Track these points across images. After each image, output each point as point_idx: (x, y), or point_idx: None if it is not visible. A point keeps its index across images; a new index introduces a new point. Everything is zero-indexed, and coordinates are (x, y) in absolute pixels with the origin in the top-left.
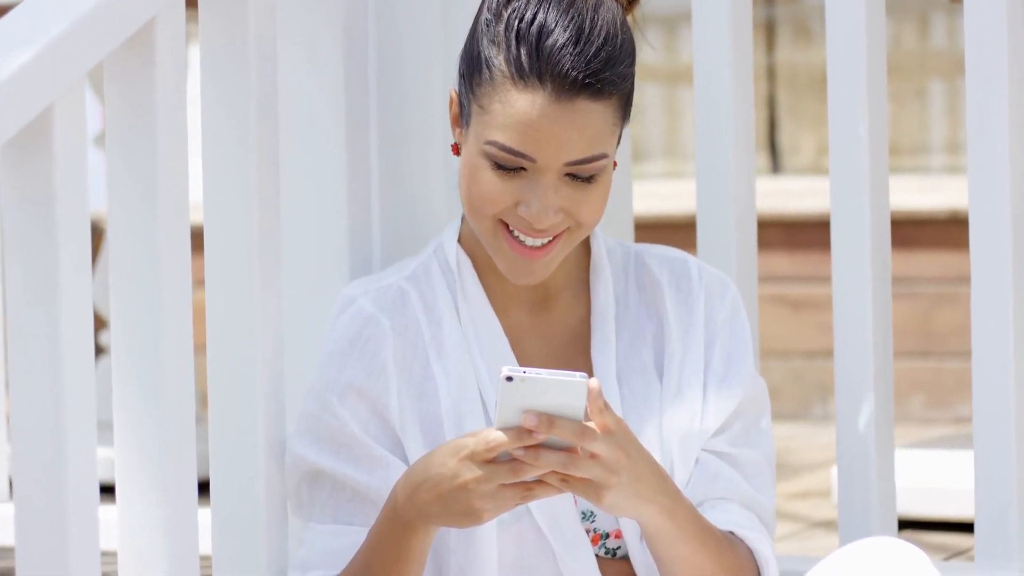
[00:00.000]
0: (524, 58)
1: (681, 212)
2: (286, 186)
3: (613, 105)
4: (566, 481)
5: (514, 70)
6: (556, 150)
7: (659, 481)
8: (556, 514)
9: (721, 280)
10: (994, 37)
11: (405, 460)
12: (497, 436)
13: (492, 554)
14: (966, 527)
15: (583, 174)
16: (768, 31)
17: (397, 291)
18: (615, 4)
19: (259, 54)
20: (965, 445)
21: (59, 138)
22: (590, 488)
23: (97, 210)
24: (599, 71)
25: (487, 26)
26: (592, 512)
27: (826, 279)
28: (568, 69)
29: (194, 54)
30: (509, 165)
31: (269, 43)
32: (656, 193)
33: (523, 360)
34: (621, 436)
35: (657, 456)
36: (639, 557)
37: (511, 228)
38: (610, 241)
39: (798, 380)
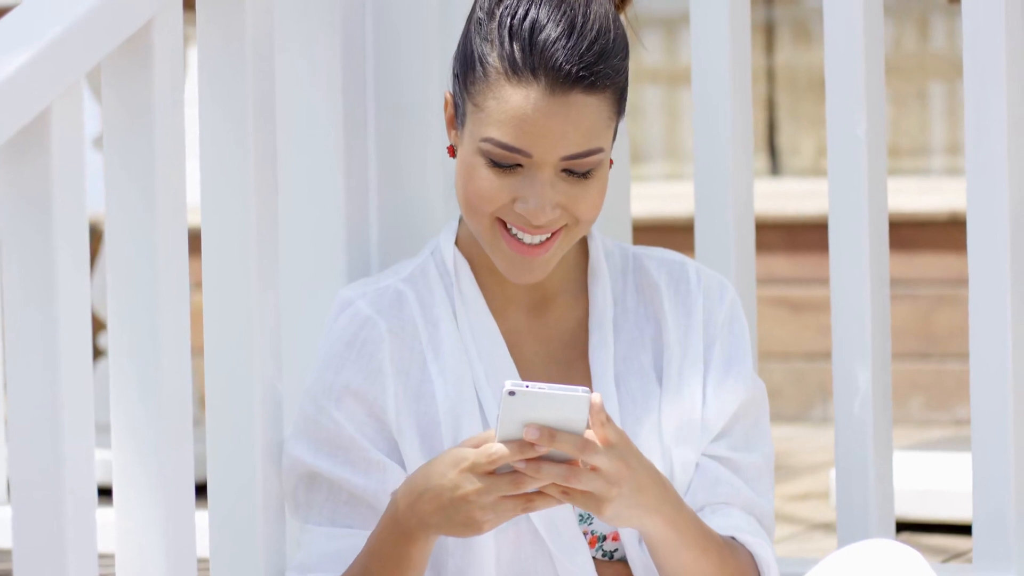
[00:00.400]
0: (517, 53)
1: (681, 214)
2: (284, 188)
3: (608, 99)
4: (567, 493)
5: (508, 66)
6: (552, 145)
7: (661, 491)
8: (553, 516)
9: (719, 282)
10: (992, 39)
11: (401, 463)
12: (498, 449)
13: (490, 556)
14: (965, 529)
15: (579, 169)
16: (767, 33)
17: (394, 293)
18: (607, 0)
19: (256, 56)
20: (964, 447)
21: (57, 139)
22: (591, 500)
23: (96, 212)
24: (592, 64)
25: (479, 25)
26: (590, 514)
27: (826, 281)
28: (562, 62)
29: (192, 56)
30: (505, 162)
31: (266, 45)
32: (656, 195)
33: (520, 362)
34: (623, 448)
35: (657, 460)
36: (637, 559)
37: (509, 227)
38: (608, 243)
39: (798, 382)
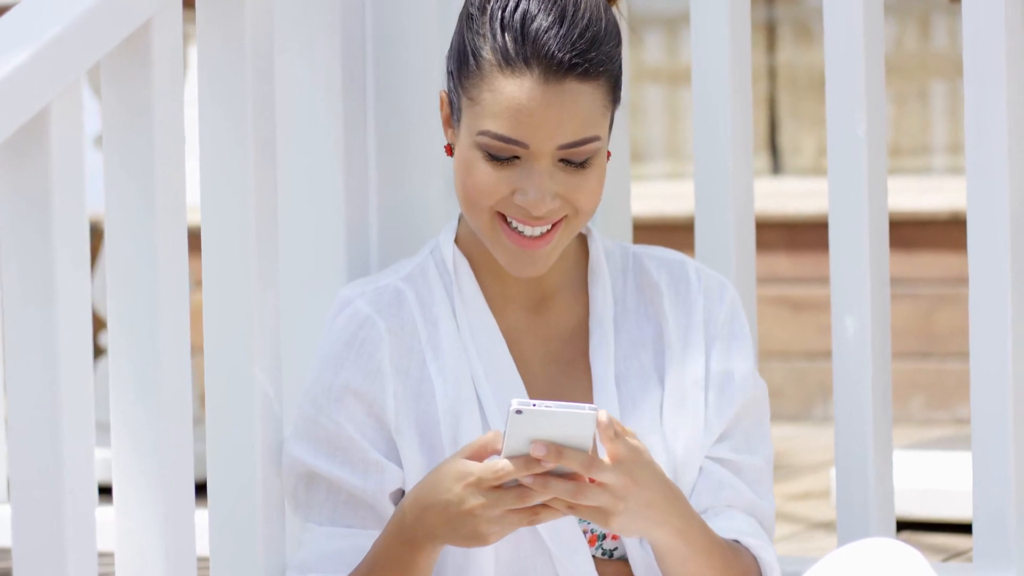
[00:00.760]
0: (510, 44)
1: (682, 213)
2: (283, 187)
3: (602, 87)
4: (572, 506)
5: (501, 58)
6: (548, 134)
7: (670, 504)
8: None
9: (720, 282)
10: (992, 39)
11: (400, 463)
12: (504, 465)
13: (489, 555)
14: (965, 528)
15: (576, 159)
16: (769, 32)
17: (394, 292)
18: None
19: (256, 55)
20: (965, 446)
21: (56, 138)
22: (597, 514)
23: (97, 211)
24: (585, 51)
25: (471, 20)
26: None
27: (827, 280)
28: (554, 51)
29: (193, 55)
30: (502, 154)
31: (266, 44)
32: (657, 194)
33: (520, 361)
34: (631, 464)
35: (660, 460)
36: (637, 558)
37: (509, 220)
38: (608, 242)
39: (799, 381)
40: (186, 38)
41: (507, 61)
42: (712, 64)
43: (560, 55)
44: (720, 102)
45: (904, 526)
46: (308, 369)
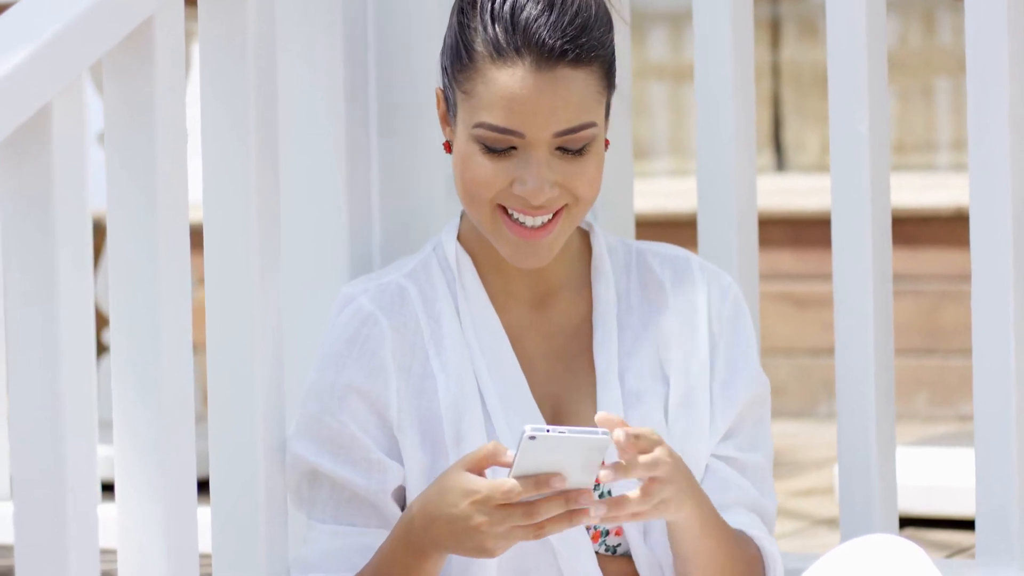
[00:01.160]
0: (500, 35)
1: (687, 210)
2: (286, 185)
3: (595, 73)
4: (571, 519)
5: (492, 49)
6: (543, 122)
7: (689, 479)
8: None
9: (723, 278)
10: (994, 37)
11: (402, 461)
12: (513, 486)
13: None
14: (969, 525)
15: (573, 146)
16: (773, 29)
17: (396, 289)
18: None
19: (258, 52)
20: (968, 443)
21: (58, 136)
22: (663, 507)
23: (101, 209)
24: (576, 37)
25: (463, 14)
26: None
27: (831, 277)
28: (545, 38)
29: (196, 54)
30: (499, 146)
31: (268, 41)
32: (661, 191)
33: (523, 357)
34: (662, 449)
35: None
36: (641, 554)
37: (510, 212)
38: (611, 239)
39: (803, 378)
40: (189, 36)
41: (499, 52)
42: (715, 61)
43: (551, 42)
44: (723, 99)
45: (908, 522)
46: (310, 366)
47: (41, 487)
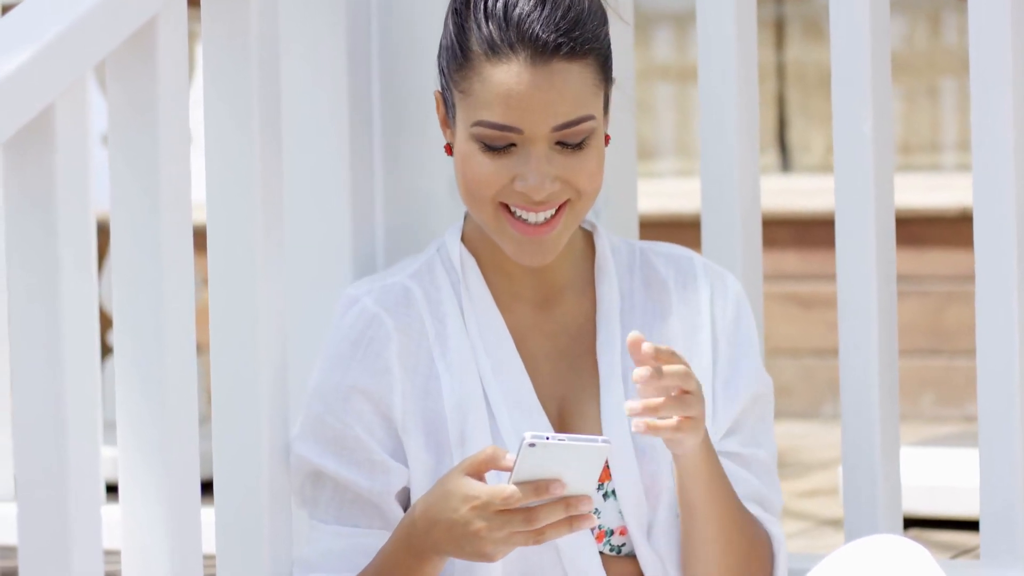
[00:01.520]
0: (495, 32)
1: (692, 210)
2: (289, 185)
3: (591, 65)
4: (571, 524)
5: (487, 47)
6: (541, 116)
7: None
8: None
9: (726, 278)
10: (998, 37)
11: (405, 461)
12: (513, 492)
13: None
14: (974, 525)
15: (572, 140)
16: (778, 29)
17: (401, 289)
18: None
19: (262, 52)
20: (973, 443)
21: (61, 136)
22: (691, 426)
23: (106, 209)
24: (570, 30)
25: (457, 15)
26: (596, 509)
27: (836, 277)
28: (538, 32)
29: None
30: (498, 143)
31: (271, 41)
32: (667, 191)
33: (527, 358)
34: (692, 371)
35: (668, 454)
36: (645, 554)
37: (513, 210)
38: (615, 239)
39: (808, 379)
40: (193, 36)
41: (493, 49)
42: (718, 61)
43: (545, 36)
44: (726, 99)
45: (913, 523)
46: (313, 368)
47: (45, 488)
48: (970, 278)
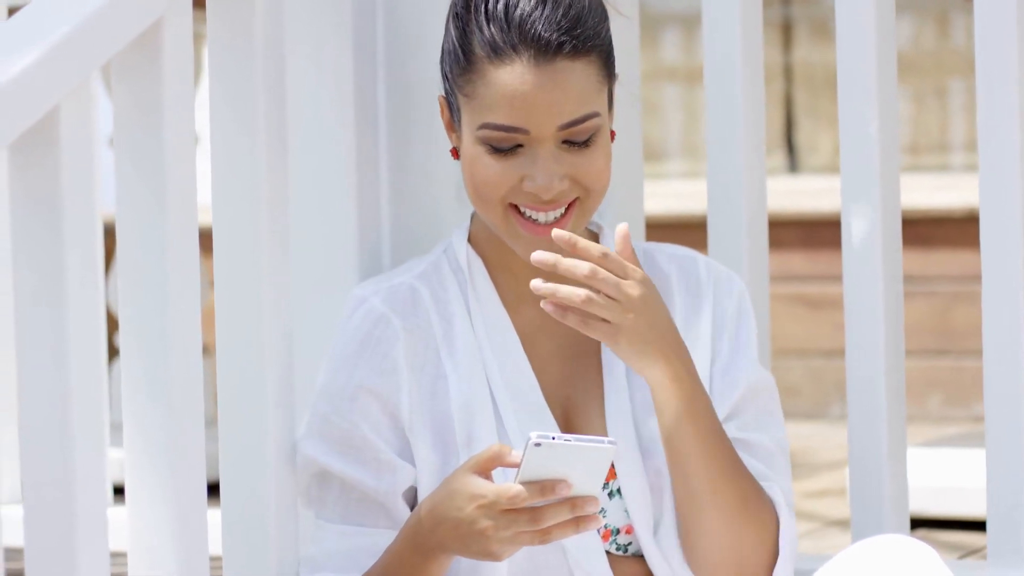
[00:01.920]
0: (496, 35)
1: (699, 212)
2: (295, 187)
3: (594, 62)
4: (576, 525)
5: (490, 49)
6: (546, 116)
7: (675, 345)
8: None
9: (729, 276)
10: (1004, 38)
11: (412, 461)
12: (519, 491)
13: None
14: (982, 526)
15: (579, 138)
16: (785, 30)
17: (408, 290)
18: None
19: (267, 54)
20: (981, 443)
21: (66, 138)
22: (605, 328)
23: (113, 211)
24: (571, 29)
25: (458, 18)
26: (602, 508)
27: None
28: (540, 32)
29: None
30: (505, 145)
31: (277, 43)
32: (675, 193)
33: (534, 358)
34: (643, 279)
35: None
36: (652, 552)
37: (523, 210)
38: None
39: (816, 379)
40: (199, 39)
41: (496, 51)
42: (724, 62)
43: (547, 36)
44: (733, 100)
45: (920, 523)
46: (320, 368)
47: (51, 489)
48: (978, 278)
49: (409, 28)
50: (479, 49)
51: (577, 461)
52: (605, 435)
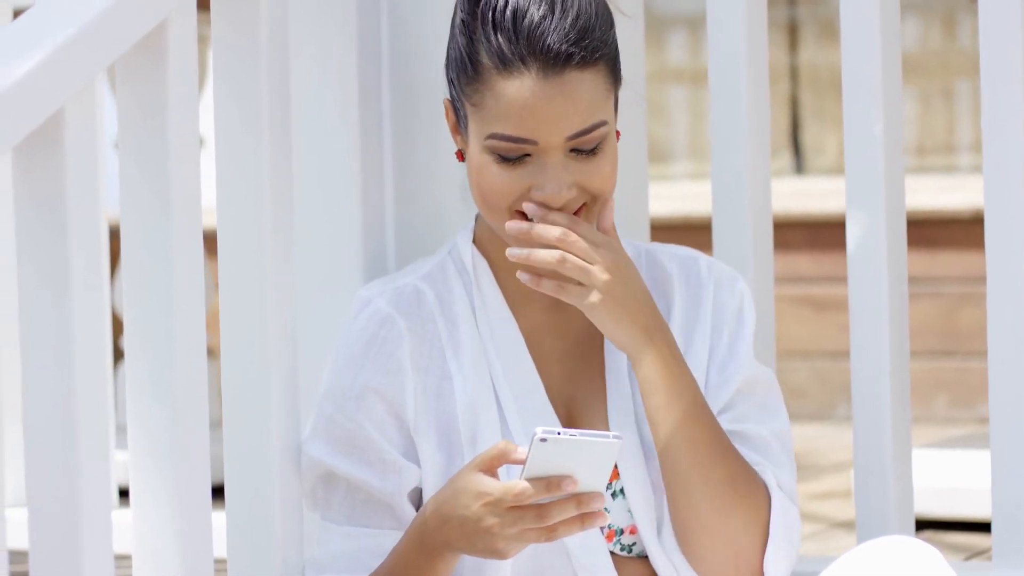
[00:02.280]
0: (504, 45)
1: (705, 213)
2: (299, 188)
3: (602, 71)
4: (583, 522)
5: (498, 60)
6: (555, 127)
7: (655, 319)
8: None
9: (731, 275)
10: (1008, 39)
11: (417, 461)
12: (525, 488)
13: None
14: (987, 527)
15: (586, 146)
16: (791, 31)
17: (413, 291)
18: None
19: (271, 55)
20: (986, 445)
21: (71, 140)
22: (577, 292)
23: (118, 213)
24: (580, 39)
25: (464, 25)
26: (605, 508)
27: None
28: (549, 44)
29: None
30: (513, 154)
31: (281, 44)
32: (680, 194)
33: (538, 359)
34: (620, 251)
35: None
36: (656, 552)
37: (531, 218)
38: (622, 241)
39: (821, 381)
40: (204, 41)
41: (504, 63)
42: (729, 63)
43: (556, 48)
44: (737, 101)
45: (925, 525)
46: (325, 369)
47: (56, 492)
48: (984, 280)
49: (414, 29)
50: (487, 59)
51: (582, 456)
52: (611, 432)
